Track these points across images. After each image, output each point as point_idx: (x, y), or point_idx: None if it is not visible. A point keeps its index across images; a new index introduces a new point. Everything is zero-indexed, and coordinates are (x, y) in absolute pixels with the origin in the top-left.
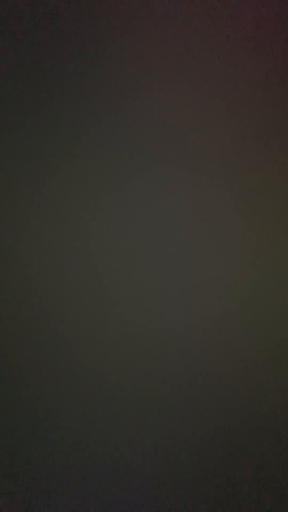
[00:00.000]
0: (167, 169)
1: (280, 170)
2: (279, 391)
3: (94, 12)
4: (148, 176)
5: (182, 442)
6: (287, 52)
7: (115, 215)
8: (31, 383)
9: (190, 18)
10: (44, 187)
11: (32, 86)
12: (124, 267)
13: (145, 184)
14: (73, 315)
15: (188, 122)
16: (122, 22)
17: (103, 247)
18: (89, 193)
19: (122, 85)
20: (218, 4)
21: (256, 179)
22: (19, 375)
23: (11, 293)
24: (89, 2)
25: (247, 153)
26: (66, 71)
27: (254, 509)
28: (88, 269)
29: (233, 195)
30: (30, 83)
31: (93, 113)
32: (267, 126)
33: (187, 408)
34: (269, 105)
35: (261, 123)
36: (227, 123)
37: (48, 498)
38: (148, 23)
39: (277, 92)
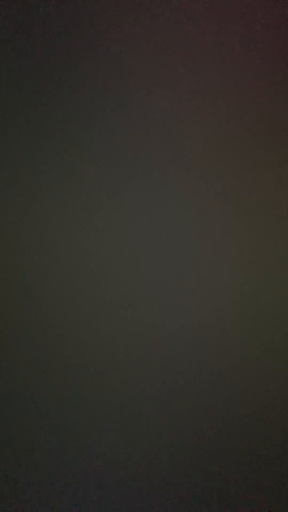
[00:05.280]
0: (166, 169)
1: (279, 173)
2: (278, 387)
3: (94, 12)
4: (147, 177)
5: (182, 440)
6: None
7: (114, 214)
8: (31, 383)
9: (190, 22)
10: (43, 189)
11: (31, 88)
12: (124, 268)
13: (144, 185)
14: (74, 316)
15: (188, 125)
16: (122, 26)
17: (103, 246)
18: (88, 195)
19: (122, 87)
20: (218, 5)
21: (255, 179)
22: (19, 376)
23: (11, 295)
24: (90, 3)
25: (246, 155)
26: (66, 73)
27: (254, 508)
28: (88, 269)
29: (233, 195)
30: (29, 85)
31: (92, 116)
32: (267, 129)
33: (187, 405)
34: (269, 109)
35: (262, 126)
36: (227, 125)
37: (48, 498)
38: (148, 26)
39: (277, 92)
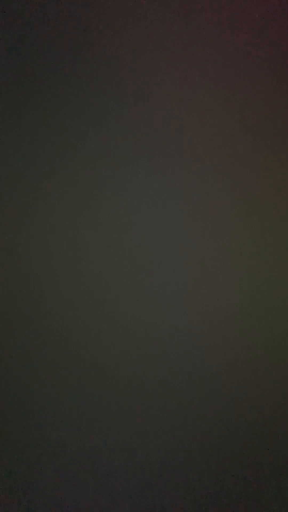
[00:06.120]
0: (166, 170)
1: (279, 172)
2: (279, 387)
3: (94, 11)
4: (147, 178)
5: (182, 440)
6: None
7: (114, 214)
8: (31, 383)
9: (190, 21)
10: (43, 189)
11: (31, 89)
12: (124, 268)
13: (144, 185)
14: (74, 316)
15: (189, 125)
16: (122, 25)
17: (103, 246)
18: (88, 195)
19: (122, 88)
20: (219, 5)
21: (255, 179)
22: (19, 376)
23: (11, 295)
24: (90, 3)
25: (247, 155)
26: (65, 74)
27: (254, 508)
28: (88, 269)
29: (233, 195)
30: (28, 85)
31: (92, 116)
32: (268, 129)
33: (187, 405)
34: (270, 109)
35: (262, 125)
36: (227, 124)
37: (47, 497)
38: (148, 25)
39: (278, 92)
